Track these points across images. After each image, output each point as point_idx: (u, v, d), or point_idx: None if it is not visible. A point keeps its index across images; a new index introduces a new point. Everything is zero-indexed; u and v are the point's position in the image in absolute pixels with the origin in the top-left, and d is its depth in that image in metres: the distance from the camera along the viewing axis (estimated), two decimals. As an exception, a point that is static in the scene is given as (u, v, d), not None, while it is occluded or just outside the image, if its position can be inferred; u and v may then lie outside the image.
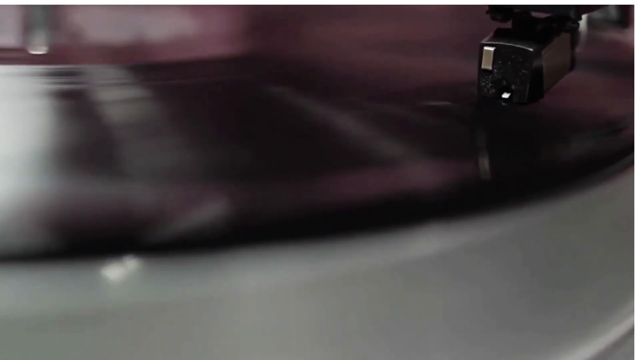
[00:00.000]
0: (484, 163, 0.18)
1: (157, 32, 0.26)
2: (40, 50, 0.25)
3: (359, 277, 0.14)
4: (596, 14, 0.26)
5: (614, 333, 0.17)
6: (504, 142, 0.19)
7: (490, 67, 0.19)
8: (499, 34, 0.20)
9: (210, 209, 0.14)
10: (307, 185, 0.15)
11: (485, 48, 0.19)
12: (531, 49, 0.19)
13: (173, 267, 0.13)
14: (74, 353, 0.13)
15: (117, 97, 0.20)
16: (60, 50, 0.25)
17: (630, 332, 0.17)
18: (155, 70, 0.23)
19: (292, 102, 0.20)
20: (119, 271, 0.13)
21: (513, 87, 0.19)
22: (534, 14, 0.20)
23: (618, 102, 0.21)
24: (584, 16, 0.20)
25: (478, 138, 0.19)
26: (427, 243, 0.14)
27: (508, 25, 0.20)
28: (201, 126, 0.19)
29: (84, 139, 0.17)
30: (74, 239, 0.13)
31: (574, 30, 0.20)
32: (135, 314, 0.13)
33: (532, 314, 0.16)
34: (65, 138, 0.17)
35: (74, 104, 0.20)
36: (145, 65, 0.23)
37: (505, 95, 0.19)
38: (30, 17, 0.27)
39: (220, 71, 0.23)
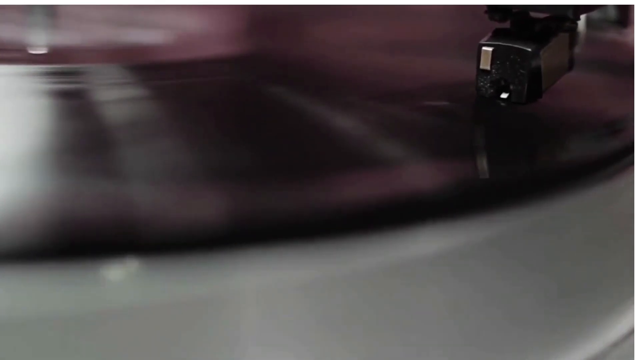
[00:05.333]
0: (483, 163, 0.18)
1: (157, 32, 0.26)
2: (40, 50, 0.25)
3: (359, 277, 0.14)
4: (595, 14, 0.26)
5: (614, 333, 0.17)
6: (502, 142, 0.19)
7: (488, 67, 0.19)
8: (497, 34, 0.20)
9: (210, 209, 0.14)
10: (307, 186, 0.15)
11: (484, 48, 0.20)
12: (529, 49, 0.19)
13: (173, 267, 0.13)
14: (74, 353, 0.13)
15: (117, 97, 0.20)
16: (60, 50, 0.25)
17: (630, 332, 0.17)
18: (155, 70, 0.23)
19: (292, 102, 0.20)
20: (119, 271, 0.13)
21: (511, 87, 0.19)
22: (533, 14, 0.20)
23: (617, 102, 0.21)
24: (582, 16, 0.20)
25: (477, 138, 0.19)
26: (427, 243, 0.14)
27: (506, 25, 0.20)
28: (201, 126, 0.19)
29: (84, 138, 0.17)
30: (74, 239, 0.13)
31: (573, 30, 0.20)
32: (135, 314, 0.13)
33: (532, 314, 0.16)
34: (65, 138, 0.17)
35: (74, 104, 0.20)
36: (145, 65, 0.23)
37: (504, 95, 0.19)
38: (30, 17, 0.27)
39: (220, 71, 0.23)
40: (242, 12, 0.28)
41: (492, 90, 0.20)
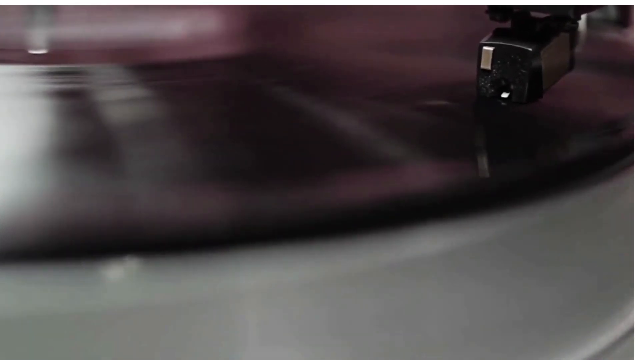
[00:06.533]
0: (484, 163, 0.18)
1: (158, 32, 0.26)
2: (40, 50, 0.25)
3: (360, 277, 0.14)
4: (595, 14, 0.26)
5: (614, 333, 0.17)
6: (503, 142, 0.19)
7: (489, 67, 0.19)
8: (498, 34, 0.20)
9: (210, 209, 0.14)
10: (307, 185, 0.15)
11: (485, 48, 0.20)
12: (530, 49, 0.19)
13: (173, 267, 0.13)
14: (74, 353, 0.13)
15: (117, 97, 0.20)
16: (60, 50, 0.25)
17: (630, 332, 0.18)
18: (156, 70, 0.23)
19: (292, 102, 0.20)
20: (118, 271, 0.13)
21: (512, 86, 0.19)
22: (533, 13, 0.20)
23: (618, 102, 0.21)
24: (583, 16, 0.20)
25: (477, 138, 0.19)
26: (427, 243, 0.14)
27: (507, 25, 0.20)
28: (201, 126, 0.19)
29: (84, 139, 0.17)
30: (74, 239, 0.13)
31: (573, 30, 0.20)
32: (135, 314, 0.13)
33: (532, 313, 0.16)
34: (65, 138, 0.17)
35: (74, 104, 0.20)
36: (146, 65, 0.23)
37: (505, 95, 0.19)
38: (30, 17, 0.27)
39: (220, 71, 0.23)
40: (242, 12, 0.28)
41: (492, 90, 0.20)
